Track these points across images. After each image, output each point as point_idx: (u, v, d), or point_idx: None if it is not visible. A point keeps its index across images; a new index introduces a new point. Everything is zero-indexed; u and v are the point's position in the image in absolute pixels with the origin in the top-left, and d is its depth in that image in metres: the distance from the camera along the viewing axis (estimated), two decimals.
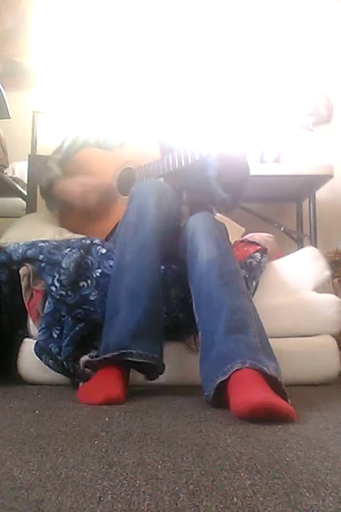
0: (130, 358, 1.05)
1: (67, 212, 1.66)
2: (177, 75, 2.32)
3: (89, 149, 1.68)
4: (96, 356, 1.14)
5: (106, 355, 1.06)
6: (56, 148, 1.73)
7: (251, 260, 1.43)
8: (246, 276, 1.37)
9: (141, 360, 1.05)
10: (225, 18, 2.74)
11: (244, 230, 1.94)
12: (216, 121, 1.39)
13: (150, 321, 1.10)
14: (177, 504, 0.44)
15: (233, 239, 1.44)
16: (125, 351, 1.05)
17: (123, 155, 1.58)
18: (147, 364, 1.07)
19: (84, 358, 1.20)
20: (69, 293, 1.28)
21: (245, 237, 1.60)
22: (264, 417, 0.79)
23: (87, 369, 1.17)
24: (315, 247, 2.03)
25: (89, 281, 1.29)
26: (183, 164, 1.39)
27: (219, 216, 1.75)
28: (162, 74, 1.97)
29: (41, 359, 1.28)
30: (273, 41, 2.74)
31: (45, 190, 1.68)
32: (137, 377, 1.16)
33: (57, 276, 1.29)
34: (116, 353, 1.05)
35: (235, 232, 1.84)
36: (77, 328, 1.27)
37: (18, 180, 2.03)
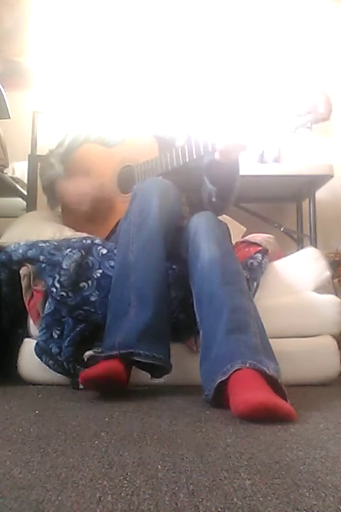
0: (137, 358, 1.05)
1: (69, 211, 1.66)
2: (177, 72, 2.32)
3: (90, 145, 1.67)
4: (101, 352, 1.13)
5: (113, 352, 1.04)
6: (59, 142, 1.74)
7: (252, 261, 1.43)
8: (247, 276, 1.36)
9: (148, 361, 1.05)
10: (224, 16, 2.74)
11: (245, 229, 1.94)
12: (215, 120, 1.38)
13: (158, 321, 1.10)
14: (177, 504, 0.44)
15: (234, 238, 1.43)
16: (132, 351, 1.04)
17: (122, 152, 1.57)
18: (153, 364, 1.07)
19: (89, 352, 1.19)
20: (70, 294, 1.28)
21: (246, 237, 1.60)
22: (264, 417, 0.79)
23: (89, 362, 1.17)
24: (315, 247, 2.03)
25: (89, 282, 1.29)
26: (181, 162, 1.38)
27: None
28: (162, 71, 1.96)
29: (41, 359, 1.28)
30: (272, 40, 2.73)
31: (47, 188, 1.68)
32: (137, 377, 1.16)
33: (57, 277, 1.29)
34: (123, 351, 1.04)
35: (237, 231, 1.83)
36: (78, 328, 1.27)
37: (18, 180, 2.03)
